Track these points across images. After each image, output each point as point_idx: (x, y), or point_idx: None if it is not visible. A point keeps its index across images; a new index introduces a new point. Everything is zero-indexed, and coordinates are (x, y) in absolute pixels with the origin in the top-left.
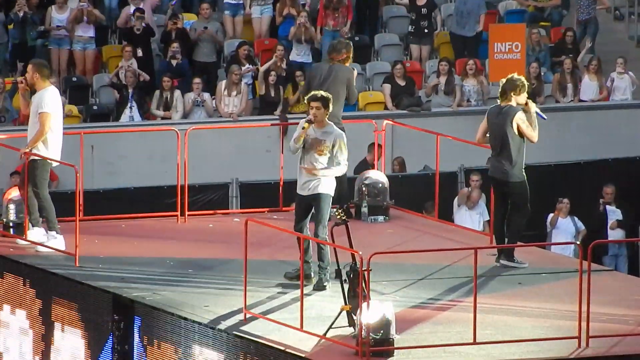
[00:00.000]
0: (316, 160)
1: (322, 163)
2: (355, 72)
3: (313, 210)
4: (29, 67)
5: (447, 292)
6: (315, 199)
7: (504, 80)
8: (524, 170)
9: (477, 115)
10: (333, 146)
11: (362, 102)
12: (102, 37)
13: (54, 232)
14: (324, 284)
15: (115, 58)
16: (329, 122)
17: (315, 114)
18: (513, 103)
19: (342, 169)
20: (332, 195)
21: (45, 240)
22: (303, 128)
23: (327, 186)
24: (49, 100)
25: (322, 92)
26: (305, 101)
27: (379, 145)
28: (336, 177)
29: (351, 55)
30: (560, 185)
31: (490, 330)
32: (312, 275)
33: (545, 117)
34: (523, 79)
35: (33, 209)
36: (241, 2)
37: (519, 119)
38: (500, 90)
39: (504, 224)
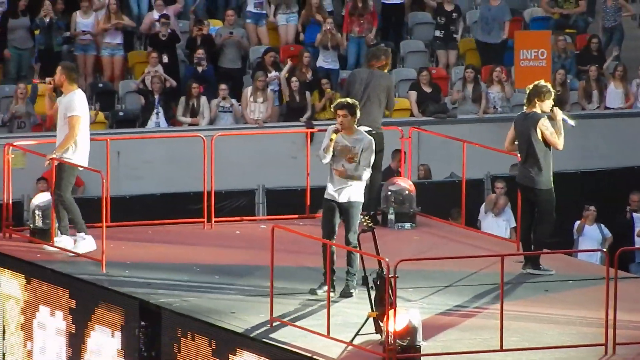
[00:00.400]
0: (348, 168)
1: (352, 170)
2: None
3: (342, 217)
4: (58, 68)
5: (473, 299)
6: (347, 207)
7: (530, 87)
8: (551, 177)
9: (503, 122)
10: (362, 152)
11: None
12: (128, 43)
13: (82, 234)
14: (351, 291)
15: (141, 64)
16: (358, 128)
17: (342, 122)
18: (538, 110)
19: (368, 175)
20: (362, 201)
21: (73, 247)
22: (331, 139)
23: (358, 193)
24: (78, 104)
25: (348, 100)
26: (332, 109)
27: (403, 152)
28: (370, 184)
29: (390, 62)
30: (587, 193)
31: (516, 338)
32: (336, 286)
33: (573, 124)
34: (548, 85)
35: (63, 215)
36: (264, 11)
37: (543, 125)
38: (525, 97)
39: (531, 231)
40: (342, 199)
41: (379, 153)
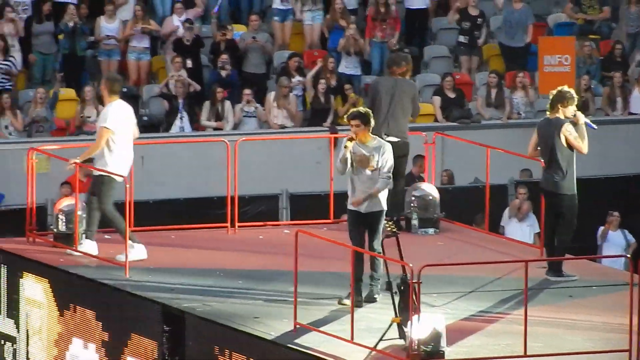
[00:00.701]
0: (369, 177)
1: (374, 179)
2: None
3: (366, 225)
4: (102, 80)
5: (497, 305)
6: (370, 216)
7: (553, 92)
8: (575, 182)
9: (527, 127)
10: (381, 158)
11: None
12: (152, 48)
13: (130, 242)
14: (375, 296)
15: (165, 69)
16: (373, 136)
17: (355, 132)
18: (561, 115)
19: (389, 181)
20: (385, 209)
21: (96, 252)
22: (345, 147)
23: (381, 202)
24: (110, 116)
25: (360, 109)
26: (346, 119)
27: (422, 157)
28: (394, 190)
29: (410, 68)
30: (610, 199)
31: (540, 343)
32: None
33: (596, 127)
34: (572, 91)
35: (91, 221)
36: (290, 7)
37: (566, 130)
38: (549, 102)
39: (555, 237)
40: (365, 209)
41: (402, 159)
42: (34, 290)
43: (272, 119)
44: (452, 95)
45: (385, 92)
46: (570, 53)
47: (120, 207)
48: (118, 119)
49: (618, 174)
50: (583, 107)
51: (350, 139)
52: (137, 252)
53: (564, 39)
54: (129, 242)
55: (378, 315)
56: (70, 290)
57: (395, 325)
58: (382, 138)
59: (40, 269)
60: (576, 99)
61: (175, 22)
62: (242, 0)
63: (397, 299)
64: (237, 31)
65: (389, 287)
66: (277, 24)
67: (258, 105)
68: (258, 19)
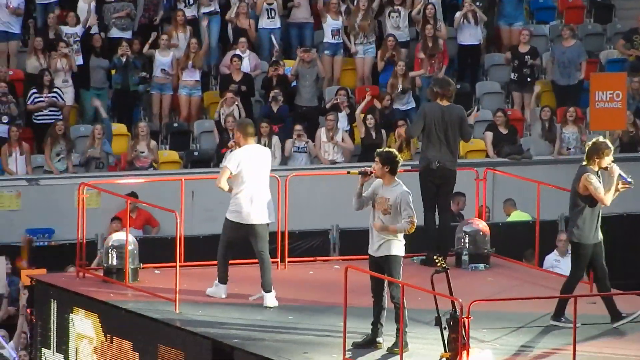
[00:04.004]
0: (382, 219)
1: (388, 222)
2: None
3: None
4: (235, 128)
5: (547, 340)
6: (385, 261)
7: (589, 144)
8: (593, 233)
9: (577, 163)
10: (397, 204)
11: (463, 150)
12: (203, 83)
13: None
14: (395, 349)
15: (216, 104)
16: (396, 179)
17: (374, 167)
18: (596, 167)
19: (406, 226)
20: (403, 255)
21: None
22: (350, 173)
23: (396, 247)
24: (234, 157)
25: (386, 150)
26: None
27: (463, 194)
28: (441, 224)
29: (455, 92)
30: None
31: None
32: (382, 341)
33: (631, 181)
34: (607, 141)
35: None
36: (341, 41)
37: (587, 180)
38: (585, 153)
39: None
40: (379, 253)
41: (449, 189)
42: (84, 325)
43: (323, 154)
44: (504, 131)
45: (435, 119)
46: (622, 89)
47: (170, 242)
48: (242, 162)
49: None
50: (631, 143)
51: (364, 173)
52: (217, 290)
53: (616, 75)
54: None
55: (427, 351)
56: (120, 325)
57: None
58: (433, 167)
59: (90, 303)
60: (612, 149)
61: (229, 58)
62: (293, 36)
63: (446, 334)
64: (288, 66)
65: (438, 322)
66: (328, 58)
67: (309, 140)
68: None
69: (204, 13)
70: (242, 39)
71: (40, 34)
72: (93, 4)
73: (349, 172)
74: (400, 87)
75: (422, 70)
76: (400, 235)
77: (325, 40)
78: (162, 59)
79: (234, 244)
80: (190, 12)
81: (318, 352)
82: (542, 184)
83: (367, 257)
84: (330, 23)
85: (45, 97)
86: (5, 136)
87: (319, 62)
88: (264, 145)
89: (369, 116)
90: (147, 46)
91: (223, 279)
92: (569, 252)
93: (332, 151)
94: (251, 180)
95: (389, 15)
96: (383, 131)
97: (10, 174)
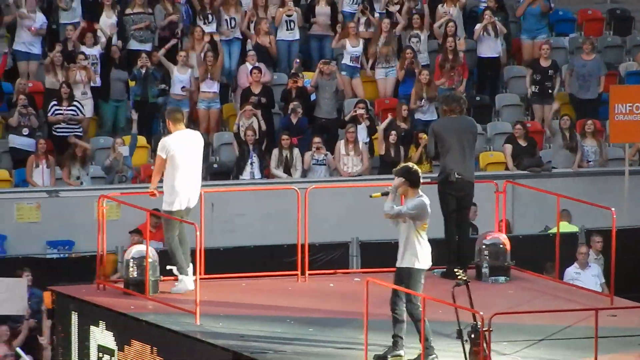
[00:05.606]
0: (402, 231)
1: (406, 233)
2: None
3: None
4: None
5: (567, 353)
6: (403, 273)
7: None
8: None
9: (596, 176)
10: (408, 206)
11: (482, 162)
12: (222, 95)
13: (182, 275)
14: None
15: (235, 116)
16: (419, 192)
17: (394, 185)
18: None
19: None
20: (426, 269)
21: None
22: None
23: (418, 260)
24: (164, 145)
25: (401, 165)
26: (393, 172)
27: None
28: (461, 237)
29: (464, 108)
30: None
31: None
32: (403, 354)
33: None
34: None
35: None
36: (359, 65)
37: None
38: None
39: None
40: (401, 263)
41: (469, 202)
42: (105, 337)
43: (342, 166)
44: (523, 143)
45: (447, 133)
46: None
47: (191, 254)
48: (174, 148)
49: None
50: None
51: (385, 193)
52: (184, 284)
53: (636, 88)
54: (182, 276)
55: None
56: (140, 337)
57: None
58: (452, 178)
59: (111, 315)
60: None
61: (248, 70)
62: (313, 49)
63: (467, 346)
64: (308, 79)
65: (459, 335)
66: (346, 79)
67: (328, 152)
68: (329, 68)
69: (222, 40)
70: (252, 52)
71: (61, 49)
72: (114, 17)
73: (371, 196)
74: (425, 96)
75: (443, 79)
76: (425, 248)
77: (343, 62)
78: (181, 76)
79: (179, 231)
80: (208, 29)
81: None
82: (562, 196)
83: (387, 269)
84: (350, 50)
85: (64, 109)
86: (26, 149)
87: (338, 74)
88: (286, 158)
89: (393, 132)
90: (162, 51)
91: (184, 270)
92: (590, 264)
93: (351, 164)
94: (185, 165)
95: (409, 40)
96: (402, 147)
97: (34, 186)
